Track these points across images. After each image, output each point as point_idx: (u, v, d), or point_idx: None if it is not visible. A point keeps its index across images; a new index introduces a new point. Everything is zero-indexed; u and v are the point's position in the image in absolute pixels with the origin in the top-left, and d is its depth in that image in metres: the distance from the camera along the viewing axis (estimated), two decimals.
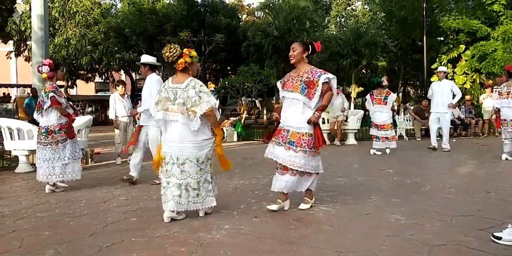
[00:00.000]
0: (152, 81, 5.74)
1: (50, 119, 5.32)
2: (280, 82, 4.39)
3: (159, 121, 3.85)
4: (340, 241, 3.15)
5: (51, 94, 5.23)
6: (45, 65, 5.33)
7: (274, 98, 21.26)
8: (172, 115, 3.73)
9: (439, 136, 9.51)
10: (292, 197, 4.47)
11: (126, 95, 8.28)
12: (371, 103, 8.72)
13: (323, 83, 4.01)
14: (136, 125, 6.46)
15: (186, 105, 3.68)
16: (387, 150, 8.72)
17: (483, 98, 13.45)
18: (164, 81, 4.25)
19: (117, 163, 8.11)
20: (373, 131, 8.79)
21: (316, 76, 4.04)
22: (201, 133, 3.75)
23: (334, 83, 4.11)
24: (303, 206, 4.18)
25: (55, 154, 5.30)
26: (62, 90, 5.57)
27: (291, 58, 4.18)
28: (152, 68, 5.93)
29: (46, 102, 5.26)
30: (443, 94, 8.78)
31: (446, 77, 9.31)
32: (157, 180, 5.72)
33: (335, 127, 11.17)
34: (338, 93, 10.48)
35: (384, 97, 8.56)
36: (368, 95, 8.95)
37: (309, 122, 3.98)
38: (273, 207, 4.07)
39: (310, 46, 4.17)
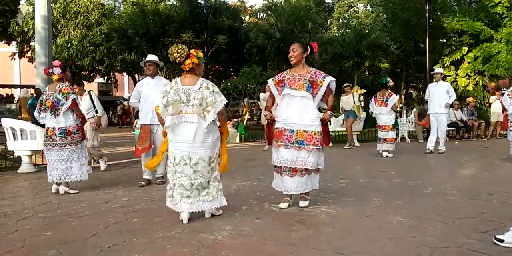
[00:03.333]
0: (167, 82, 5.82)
1: (68, 120, 5.28)
2: (273, 80, 4.44)
3: (171, 124, 3.76)
4: (341, 243, 3.15)
5: (73, 96, 5.25)
6: (56, 66, 5.32)
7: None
8: (187, 117, 3.71)
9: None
10: (294, 197, 4.48)
11: (85, 95, 7.25)
12: (374, 105, 8.78)
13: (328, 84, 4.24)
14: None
15: (202, 106, 3.70)
16: (384, 153, 8.55)
17: (493, 100, 13.27)
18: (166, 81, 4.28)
19: (102, 170, 7.30)
20: (379, 133, 8.83)
21: (321, 77, 4.23)
22: (213, 132, 3.80)
23: (333, 85, 4.31)
24: (303, 203, 4.25)
25: (74, 155, 5.28)
26: None
27: (291, 59, 4.30)
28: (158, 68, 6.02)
29: (64, 104, 5.21)
30: (440, 95, 9.01)
31: (443, 79, 9.48)
32: (143, 181, 5.78)
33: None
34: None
35: (385, 99, 8.57)
36: (373, 97, 8.99)
37: (323, 120, 4.20)
38: (283, 205, 4.26)
39: (308, 47, 4.32)
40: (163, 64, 6.37)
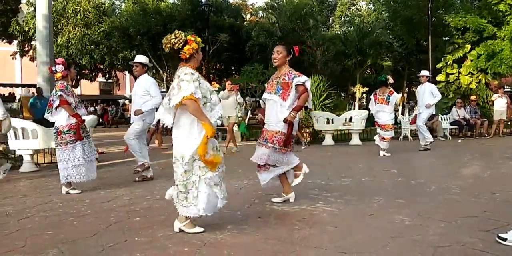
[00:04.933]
0: (150, 81, 5.91)
1: (59, 119, 5.21)
2: (266, 85, 4.59)
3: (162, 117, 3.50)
4: (344, 242, 3.13)
5: (59, 93, 5.13)
6: (59, 64, 5.23)
7: None
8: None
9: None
10: (295, 196, 4.47)
11: None
12: (374, 102, 8.65)
13: (297, 85, 4.22)
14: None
15: (169, 96, 3.34)
16: (381, 153, 8.49)
17: (495, 98, 13.25)
18: (168, 81, 4.19)
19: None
20: (378, 131, 8.73)
21: (291, 78, 4.24)
22: (187, 128, 3.34)
23: (308, 84, 4.26)
24: (276, 199, 4.44)
25: (64, 155, 5.17)
26: None
27: (275, 61, 4.36)
28: (146, 68, 6.06)
29: (55, 101, 5.16)
30: (423, 96, 9.43)
31: (429, 81, 9.83)
32: (139, 168, 5.96)
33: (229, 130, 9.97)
34: (233, 90, 9.84)
35: (386, 97, 8.43)
36: (372, 94, 8.91)
37: (285, 121, 4.17)
38: (278, 199, 4.41)
39: (291, 50, 4.36)
40: (152, 65, 6.45)
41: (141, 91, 5.89)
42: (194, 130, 3.32)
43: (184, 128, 3.35)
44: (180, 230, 3.42)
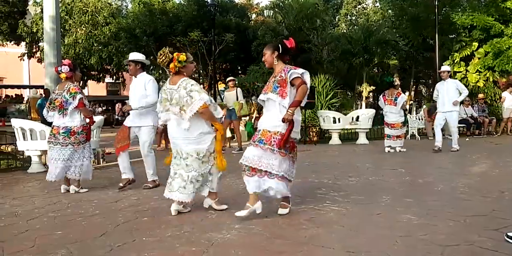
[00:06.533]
0: (148, 79, 5.47)
1: (74, 120, 5.31)
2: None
3: (165, 120, 4.11)
4: (351, 241, 3.13)
5: (79, 96, 5.25)
6: (64, 65, 5.34)
7: None
8: (170, 115, 4.02)
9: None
10: (296, 198, 4.46)
11: None
12: (384, 103, 8.91)
13: (294, 78, 3.81)
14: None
15: (179, 105, 3.88)
16: (397, 148, 8.92)
17: (503, 99, 13.17)
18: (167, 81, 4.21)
19: None
20: (386, 130, 9.01)
21: (287, 73, 3.86)
22: (197, 129, 3.93)
23: (307, 77, 3.88)
24: (282, 211, 3.96)
25: (75, 154, 5.30)
26: None
27: (265, 63, 4.10)
28: (142, 66, 5.60)
29: (71, 103, 5.23)
30: (448, 93, 8.66)
31: (450, 76, 9.21)
32: (150, 184, 5.47)
33: None
34: None
35: (394, 98, 8.78)
36: (381, 95, 9.11)
37: (283, 120, 3.75)
38: (242, 213, 3.73)
39: (280, 45, 3.97)
40: (149, 62, 6.00)
41: (140, 91, 5.44)
42: (205, 130, 3.97)
43: (195, 129, 3.91)
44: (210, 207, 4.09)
